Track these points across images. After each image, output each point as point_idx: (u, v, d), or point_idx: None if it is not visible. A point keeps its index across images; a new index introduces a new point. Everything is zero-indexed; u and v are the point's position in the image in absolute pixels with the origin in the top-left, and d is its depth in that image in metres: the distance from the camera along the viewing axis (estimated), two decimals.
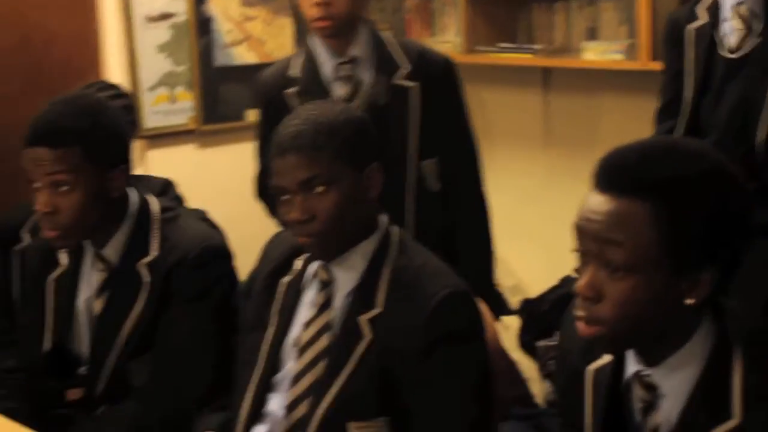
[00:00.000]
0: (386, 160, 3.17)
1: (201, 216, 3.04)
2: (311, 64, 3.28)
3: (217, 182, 4.83)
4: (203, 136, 5.15)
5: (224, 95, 5.20)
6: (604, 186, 1.84)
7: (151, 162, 4.84)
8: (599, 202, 1.84)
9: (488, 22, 4.99)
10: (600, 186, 1.85)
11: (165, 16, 4.94)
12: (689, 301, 1.83)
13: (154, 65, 4.91)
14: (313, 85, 3.25)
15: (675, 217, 1.80)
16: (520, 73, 5.05)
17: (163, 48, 4.95)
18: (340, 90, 3.25)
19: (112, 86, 3.53)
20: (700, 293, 1.83)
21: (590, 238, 1.85)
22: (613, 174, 1.84)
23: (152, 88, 4.88)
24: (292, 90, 3.26)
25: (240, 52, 5.20)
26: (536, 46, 4.82)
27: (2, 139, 4.54)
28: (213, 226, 2.98)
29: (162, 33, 4.94)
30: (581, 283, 1.86)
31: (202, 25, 5.07)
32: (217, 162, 5.09)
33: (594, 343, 1.93)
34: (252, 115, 5.29)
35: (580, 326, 1.88)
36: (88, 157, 2.57)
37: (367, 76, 3.25)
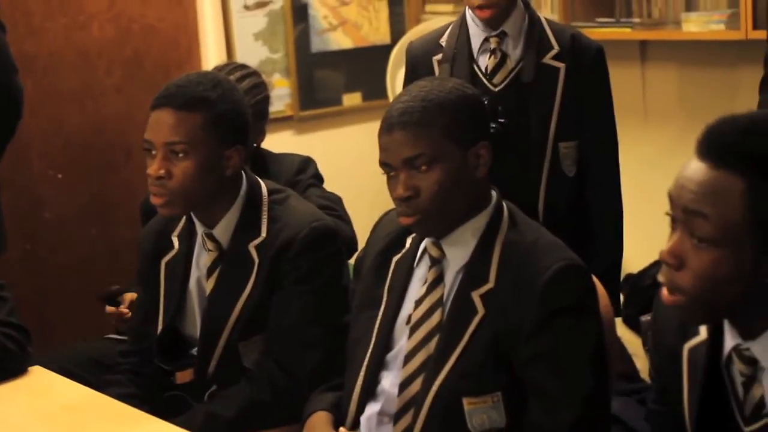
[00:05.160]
0: (523, 138, 3.20)
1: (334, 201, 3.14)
2: (462, 34, 3.31)
3: None
4: (301, 122, 5.18)
5: (321, 81, 5.23)
6: (703, 154, 1.82)
7: None
8: (695, 170, 1.82)
9: None
10: (699, 153, 1.83)
11: (261, 5, 4.99)
12: None
13: (251, 53, 4.96)
14: (460, 55, 3.28)
15: None
16: (617, 47, 5.00)
17: (260, 36, 5.00)
18: (484, 62, 3.28)
19: (243, 66, 3.57)
20: None
21: (680, 205, 1.83)
22: (713, 143, 1.82)
23: None
24: (438, 57, 3.31)
25: (336, 38, 5.23)
26: (635, 20, 4.76)
27: (103, 131, 4.64)
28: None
29: (258, 21, 4.99)
30: (665, 249, 1.85)
31: (298, 11, 5.11)
32: (315, 147, 5.10)
33: (676, 312, 1.92)
34: (349, 100, 5.33)
35: (663, 292, 1.88)
36: (207, 127, 2.61)
37: (515, 51, 3.27)
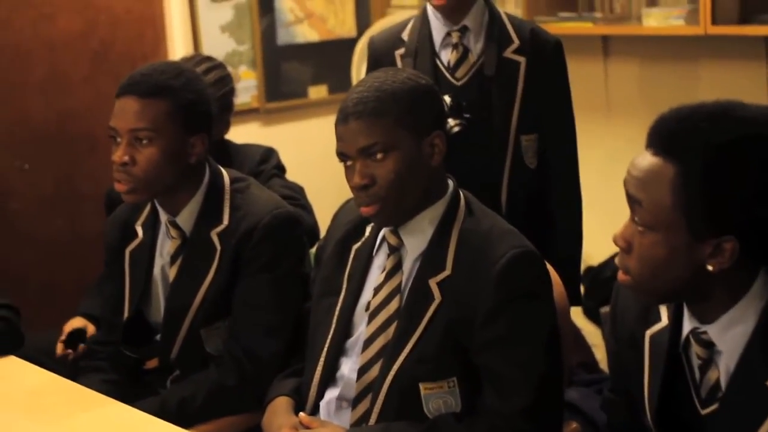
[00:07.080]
0: (486, 131, 3.24)
1: (296, 191, 3.19)
2: (424, 29, 3.35)
3: (282, 159, 4.91)
4: (267, 114, 5.21)
5: (287, 73, 5.26)
6: (648, 142, 1.92)
7: None
8: (642, 158, 1.92)
9: None
10: (647, 142, 1.91)
11: None
12: (710, 268, 1.87)
13: (217, 45, 4.99)
14: (423, 49, 3.32)
15: (700, 182, 1.83)
16: (580, 42, 5.05)
17: (226, 28, 5.02)
18: (446, 56, 3.32)
19: (209, 59, 3.61)
20: (721, 261, 1.86)
21: (627, 192, 1.93)
22: (656, 131, 1.92)
23: None
24: (401, 51, 3.35)
25: (302, 30, 5.26)
26: (597, 14, 4.81)
27: (69, 122, 4.65)
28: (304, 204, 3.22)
29: (225, 13, 5.02)
30: (616, 233, 1.96)
31: (264, 4, 5.14)
32: (281, 139, 5.14)
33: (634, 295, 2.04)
34: (314, 93, 5.36)
35: (619, 274, 1.98)
36: (172, 115, 2.65)
37: (476, 46, 3.32)
